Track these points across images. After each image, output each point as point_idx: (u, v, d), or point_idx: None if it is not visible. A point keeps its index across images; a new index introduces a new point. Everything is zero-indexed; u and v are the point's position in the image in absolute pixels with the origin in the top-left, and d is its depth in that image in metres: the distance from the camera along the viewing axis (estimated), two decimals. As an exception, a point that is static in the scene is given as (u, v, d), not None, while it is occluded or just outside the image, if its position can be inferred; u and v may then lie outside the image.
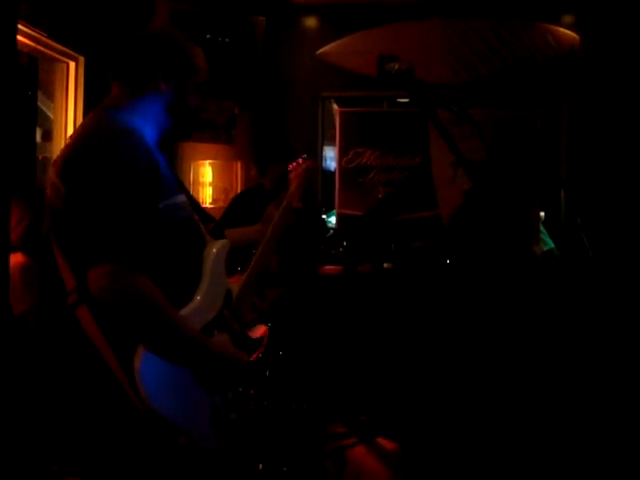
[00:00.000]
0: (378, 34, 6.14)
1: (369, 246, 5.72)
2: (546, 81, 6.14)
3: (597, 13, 6.01)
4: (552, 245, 5.17)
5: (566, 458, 3.70)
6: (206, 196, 5.94)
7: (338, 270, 5.74)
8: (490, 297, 3.95)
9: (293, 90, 6.36)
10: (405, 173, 6.23)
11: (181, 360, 1.79)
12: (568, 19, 6.14)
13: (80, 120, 4.45)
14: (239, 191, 5.83)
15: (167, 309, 1.73)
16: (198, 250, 1.94)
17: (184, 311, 1.81)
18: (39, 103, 4.57)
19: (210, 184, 5.97)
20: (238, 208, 4.34)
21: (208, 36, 5.54)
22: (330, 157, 6.79)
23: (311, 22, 6.35)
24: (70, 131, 4.45)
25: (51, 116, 4.64)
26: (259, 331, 2.25)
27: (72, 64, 4.46)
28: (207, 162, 5.92)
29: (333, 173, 6.47)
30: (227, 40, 5.69)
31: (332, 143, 6.54)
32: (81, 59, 4.48)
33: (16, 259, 3.19)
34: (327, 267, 5.82)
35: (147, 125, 1.90)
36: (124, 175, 1.71)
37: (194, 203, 2.11)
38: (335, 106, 6.56)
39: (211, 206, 5.74)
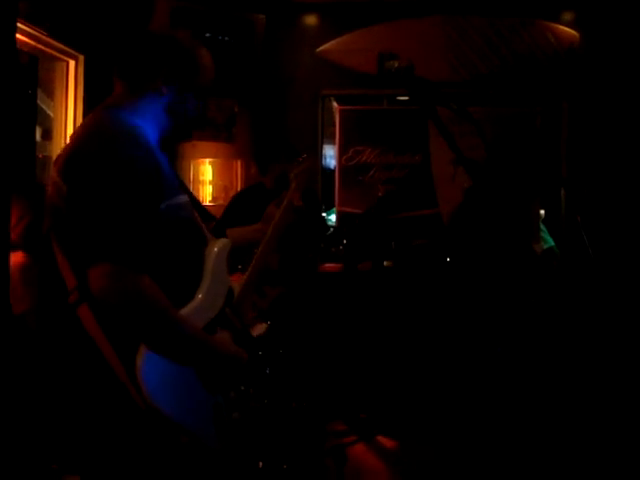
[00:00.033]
0: (378, 32, 6.14)
1: (369, 244, 5.71)
2: (546, 79, 6.13)
3: (597, 10, 6.01)
4: (552, 243, 5.18)
5: (566, 457, 3.70)
6: (206, 194, 5.94)
7: (338, 268, 5.74)
8: (490, 295, 3.95)
9: (293, 88, 6.36)
10: (405, 171, 6.23)
11: (183, 359, 1.79)
12: (568, 16, 6.14)
13: (80, 119, 4.46)
14: (239, 189, 5.83)
15: (168, 308, 1.73)
16: (199, 249, 1.94)
17: (186, 309, 1.81)
18: (39, 102, 4.57)
19: (210, 182, 5.97)
20: (238, 207, 4.33)
21: (208, 34, 5.54)
22: (330, 155, 6.79)
23: (311, 20, 6.35)
24: (70, 130, 4.45)
25: (51, 115, 4.64)
26: (261, 329, 2.25)
27: (72, 63, 4.47)
28: (207, 160, 5.92)
29: (333, 171, 6.47)
30: (227, 38, 5.69)
31: (332, 141, 6.54)
32: (81, 58, 4.48)
33: (16, 258, 3.19)
34: (327, 265, 5.82)
35: (148, 125, 1.90)
36: (125, 175, 1.71)
37: (195, 202, 2.11)
38: (335, 104, 6.56)
39: (211, 204, 5.74)
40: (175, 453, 1.81)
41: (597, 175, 5.85)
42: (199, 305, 1.86)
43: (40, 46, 4.13)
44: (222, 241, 2.01)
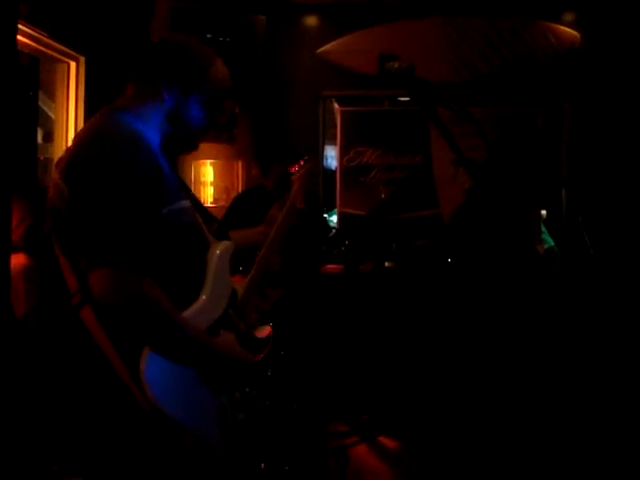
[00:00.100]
0: (378, 33, 6.14)
1: (370, 245, 5.71)
2: (547, 79, 6.13)
3: (598, 11, 6.00)
4: (552, 243, 5.17)
5: (567, 457, 3.70)
6: (207, 196, 5.94)
7: (340, 269, 5.74)
8: (491, 295, 3.95)
9: (294, 89, 6.36)
10: (406, 172, 6.23)
11: (186, 361, 1.79)
12: (569, 17, 6.14)
13: (81, 120, 4.46)
14: (240, 190, 5.83)
15: (170, 311, 1.73)
16: (201, 253, 1.94)
17: (188, 311, 1.81)
18: (40, 103, 4.57)
19: (211, 183, 5.97)
20: (240, 208, 4.34)
21: (209, 35, 5.54)
22: (331, 156, 6.79)
23: (311, 21, 6.35)
24: (71, 131, 4.45)
25: (52, 116, 4.64)
26: (265, 331, 2.26)
27: (73, 64, 4.47)
28: (208, 161, 5.93)
29: (334, 172, 6.47)
30: (228, 39, 5.69)
31: (333, 142, 6.54)
32: (82, 59, 4.48)
33: (18, 260, 3.19)
34: (329, 266, 5.82)
35: (150, 130, 1.89)
36: (126, 179, 1.70)
37: (197, 204, 2.11)
38: (336, 105, 6.56)
39: (212, 206, 5.74)
40: (179, 455, 1.81)
41: (598, 175, 5.85)
42: (202, 307, 1.86)
43: (41, 48, 4.13)
44: (225, 243, 2.01)
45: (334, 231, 6.20)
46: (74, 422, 1.85)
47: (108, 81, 4.35)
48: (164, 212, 1.78)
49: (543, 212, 5.41)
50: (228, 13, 5.75)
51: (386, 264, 5.72)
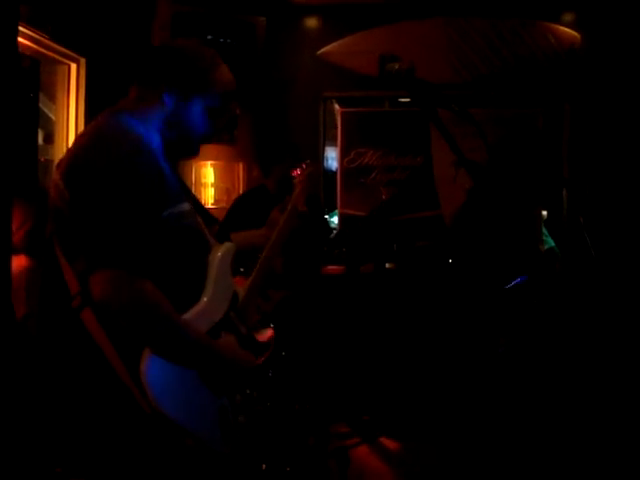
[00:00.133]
0: (379, 34, 6.15)
1: (371, 246, 5.71)
2: (547, 80, 6.13)
3: (597, 11, 6.00)
4: (552, 244, 5.17)
5: (568, 458, 3.69)
6: (208, 197, 5.95)
7: (341, 270, 5.74)
8: (492, 296, 3.94)
9: (294, 90, 6.36)
10: (407, 173, 6.23)
11: (188, 363, 1.79)
12: (569, 17, 6.14)
13: (82, 122, 4.46)
14: (241, 192, 5.84)
15: (171, 313, 1.73)
16: (202, 256, 1.93)
17: (189, 313, 1.81)
18: (41, 105, 4.57)
19: (212, 185, 5.98)
20: (241, 209, 4.34)
21: (209, 37, 5.55)
22: (332, 157, 6.79)
23: (312, 22, 6.35)
24: (72, 133, 4.45)
25: (53, 118, 4.64)
26: (266, 334, 2.25)
27: (73, 66, 4.47)
28: (209, 163, 5.93)
29: (335, 173, 6.47)
30: (228, 41, 5.70)
31: (334, 143, 6.54)
32: (82, 61, 4.48)
33: (20, 262, 3.19)
34: (330, 267, 5.82)
35: (152, 133, 1.88)
36: (127, 182, 1.70)
37: (199, 206, 2.10)
38: (336, 106, 6.56)
39: (213, 207, 5.75)
40: (180, 457, 1.81)
41: (599, 176, 5.85)
42: (203, 309, 1.86)
43: (42, 49, 4.13)
44: (226, 246, 2.01)
45: (335, 232, 6.20)
46: (75, 423, 1.85)
47: (109, 83, 4.35)
48: (165, 215, 1.78)
49: (544, 213, 5.40)
50: (228, 15, 5.75)
51: (387, 265, 5.72)
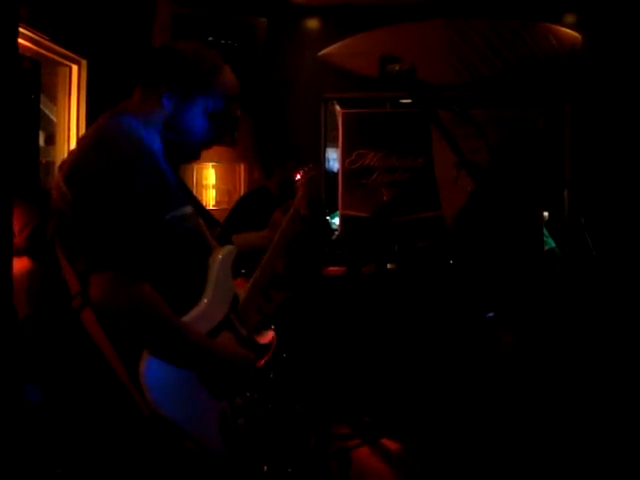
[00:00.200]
0: (380, 35, 6.15)
1: (373, 247, 5.71)
2: (548, 81, 6.13)
3: (599, 12, 6.00)
4: (553, 244, 5.17)
5: (570, 461, 3.69)
6: (209, 199, 5.95)
7: (342, 271, 5.74)
8: (494, 297, 3.94)
9: (295, 92, 6.37)
10: (408, 174, 6.23)
11: (187, 364, 1.79)
12: (570, 18, 6.14)
13: (83, 123, 4.46)
14: (242, 193, 5.83)
15: (169, 315, 1.73)
16: (203, 259, 1.93)
17: (189, 316, 1.81)
18: (42, 107, 4.57)
19: (213, 186, 5.98)
20: (243, 210, 4.34)
21: (210, 38, 5.55)
22: (333, 158, 6.79)
23: (313, 24, 6.35)
24: (73, 135, 4.45)
25: (54, 120, 4.64)
26: (267, 337, 2.25)
27: (75, 67, 4.47)
28: (210, 164, 5.93)
29: (336, 174, 6.47)
30: (229, 42, 5.70)
31: (335, 144, 6.54)
32: (84, 62, 4.48)
33: (22, 264, 3.19)
34: (331, 268, 5.82)
35: (153, 135, 1.88)
36: (129, 185, 1.70)
37: (200, 208, 2.10)
38: (337, 107, 6.57)
39: (214, 209, 5.75)
40: (180, 459, 1.80)
41: (600, 177, 5.85)
42: (203, 311, 1.86)
43: (42, 51, 4.13)
44: (227, 248, 2.00)
45: (336, 233, 6.20)
46: (75, 424, 1.85)
47: (110, 84, 4.35)
48: (167, 218, 1.78)
49: (545, 213, 5.40)
50: (229, 16, 5.75)
51: (388, 266, 5.72)
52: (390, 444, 4.55)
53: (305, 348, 4.30)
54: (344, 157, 6.29)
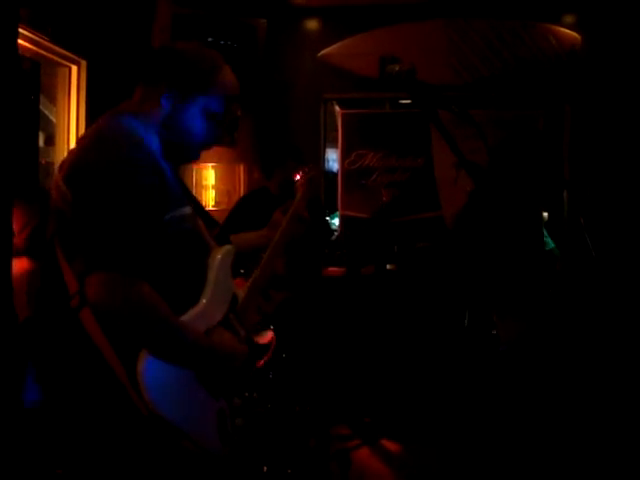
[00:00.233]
0: (379, 36, 6.15)
1: (372, 247, 5.71)
2: (548, 81, 6.13)
3: (598, 13, 6.01)
4: (552, 245, 5.17)
5: (570, 462, 3.69)
6: (209, 199, 5.95)
7: (341, 272, 5.74)
8: (494, 297, 3.94)
9: (295, 92, 6.37)
10: (407, 174, 6.23)
11: (185, 364, 1.79)
12: (569, 19, 6.14)
13: (83, 124, 4.46)
14: (242, 194, 5.84)
15: (168, 315, 1.73)
16: (202, 259, 1.93)
17: (188, 315, 1.81)
18: (41, 107, 4.57)
19: (213, 187, 5.98)
20: (243, 211, 4.34)
21: (210, 39, 5.55)
22: (332, 159, 6.80)
23: (312, 24, 6.36)
24: (73, 135, 4.45)
25: (54, 120, 4.64)
26: (266, 337, 2.25)
27: (74, 68, 4.47)
28: (209, 165, 5.93)
29: (335, 175, 6.48)
30: (229, 43, 5.70)
31: (334, 145, 6.55)
32: (83, 63, 4.48)
33: (21, 264, 3.18)
34: (330, 269, 5.82)
35: (152, 135, 1.88)
36: (128, 186, 1.70)
37: (199, 209, 2.10)
38: (337, 108, 6.57)
39: (214, 209, 5.75)
40: (178, 460, 1.80)
41: (600, 177, 5.85)
42: (202, 311, 1.86)
43: (42, 51, 4.13)
44: (226, 248, 2.00)
45: (336, 234, 6.21)
46: (73, 424, 1.85)
47: (109, 85, 4.35)
48: (167, 218, 1.78)
49: (545, 214, 5.40)
50: (229, 17, 5.75)
51: (388, 266, 5.72)
52: (390, 445, 4.55)
53: (305, 348, 4.30)
54: (344, 157, 6.30)
